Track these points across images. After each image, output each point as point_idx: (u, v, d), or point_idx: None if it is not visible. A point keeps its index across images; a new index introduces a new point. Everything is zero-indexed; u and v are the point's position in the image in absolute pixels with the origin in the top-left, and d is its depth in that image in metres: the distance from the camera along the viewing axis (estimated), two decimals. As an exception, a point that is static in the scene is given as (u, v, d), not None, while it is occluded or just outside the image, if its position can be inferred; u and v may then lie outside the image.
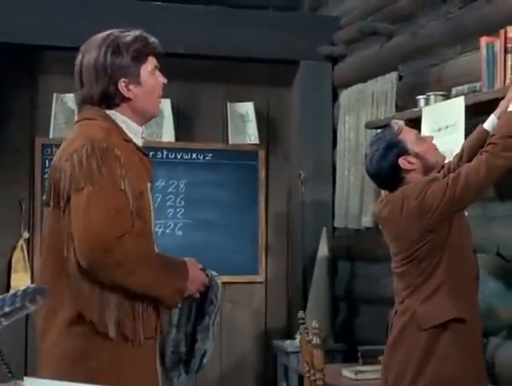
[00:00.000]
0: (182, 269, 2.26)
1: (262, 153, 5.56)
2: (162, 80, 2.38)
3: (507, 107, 2.79)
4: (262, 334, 5.56)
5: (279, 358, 5.11)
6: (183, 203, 5.36)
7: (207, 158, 5.42)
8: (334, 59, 5.49)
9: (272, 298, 5.59)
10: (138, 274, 2.15)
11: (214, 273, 2.37)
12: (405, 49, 4.54)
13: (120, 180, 2.14)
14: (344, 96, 5.24)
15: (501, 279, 3.27)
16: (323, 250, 5.09)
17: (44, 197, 2.31)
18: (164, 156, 5.34)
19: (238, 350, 5.47)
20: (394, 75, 4.61)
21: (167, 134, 5.27)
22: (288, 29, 5.34)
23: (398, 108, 4.49)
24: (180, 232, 5.32)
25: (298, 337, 4.91)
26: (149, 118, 2.39)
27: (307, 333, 3.47)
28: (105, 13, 4.87)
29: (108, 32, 2.34)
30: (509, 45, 3.10)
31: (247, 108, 5.46)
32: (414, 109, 3.77)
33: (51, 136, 5.06)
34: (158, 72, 2.36)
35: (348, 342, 4.97)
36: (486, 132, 2.91)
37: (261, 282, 5.56)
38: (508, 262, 3.41)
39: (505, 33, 3.12)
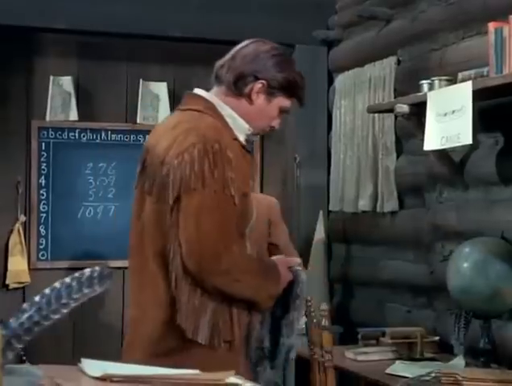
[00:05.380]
0: (275, 273, 2.25)
1: (256, 138, 5.55)
2: (276, 123, 2.41)
3: None
4: (257, 316, 5.58)
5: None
6: (179, 187, 5.36)
7: (203, 141, 5.42)
8: (329, 44, 5.50)
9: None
10: (242, 282, 2.14)
11: (298, 268, 2.35)
12: (404, 34, 4.56)
13: (230, 185, 2.11)
14: (340, 80, 5.26)
15: (506, 262, 3.32)
16: (319, 233, 5.12)
17: (137, 183, 2.28)
18: (160, 139, 5.33)
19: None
20: (392, 59, 4.63)
21: (163, 118, 5.24)
22: (283, 13, 5.34)
23: (397, 93, 4.51)
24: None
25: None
26: (246, 129, 2.34)
27: (314, 315, 3.50)
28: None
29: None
30: (518, 31, 3.13)
31: (243, 91, 5.46)
32: (419, 94, 3.79)
33: (47, 119, 5.05)
34: (280, 115, 2.38)
35: (344, 324, 5.01)
36: None
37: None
38: (512, 245, 3.46)
39: (515, 18, 3.15)
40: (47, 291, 1.27)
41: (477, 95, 3.40)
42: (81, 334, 5.10)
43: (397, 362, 3.64)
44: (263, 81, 2.29)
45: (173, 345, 2.10)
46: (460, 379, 3.17)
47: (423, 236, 4.27)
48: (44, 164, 5.08)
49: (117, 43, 5.21)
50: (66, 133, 5.13)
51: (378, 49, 4.81)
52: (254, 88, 2.28)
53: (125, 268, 5.11)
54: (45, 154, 5.09)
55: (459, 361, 3.54)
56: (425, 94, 3.69)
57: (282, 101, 2.34)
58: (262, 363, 2.30)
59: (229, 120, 2.28)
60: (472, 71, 3.45)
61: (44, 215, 5.05)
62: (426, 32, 4.34)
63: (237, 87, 2.27)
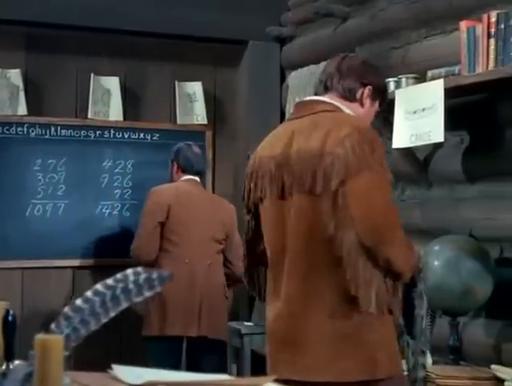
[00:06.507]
0: (413, 246, 2.48)
1: (209, 134, 5.49)
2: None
3: None
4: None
5: (230, 339, 5.09)
6: (130, 184, 5.25)
7: (154, 137, 5.32)
8: (282, 40, 5.48)
9: (218, 280, 5.55)
10: (403, 253, 2.37)
11: None
12: (362, 32, 4.56)
13: (386, 167, 2.39)
14: (294, 77, 5.23)
15: (477, 259, 3.34)
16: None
17: (265, 192, 2.50)
18: (111, 135, 5.21)
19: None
20: (350, 57, 4.62)
21: (115, 113, 5.14)
22: (237, 9, 5.29)
23: (356, 91, 4.50)
24: (128, 213, 5.21)
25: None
26: None
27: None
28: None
29: None
30: (492, 30, 3.15)
31: (195, 87, 5.38)
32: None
33: (-6, 113, 4.87)
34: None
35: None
36: None
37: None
38: (480, 243, 3.48)
39: (488, 18, 3.17)
40: (89, 294, 1.19)
41: (446, 93, 3.41)
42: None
43: (364, 360, 3.62)
44: (370, 87, 2.60)
45: (349, 323, 2.33)
46: (434, 376, 3.19)
47: (382, 234, 4.27)
48: (-9, 160, 4.90)
49: (67, 36, 5.07)
50: (14, 128, 4.96)
51: (335, 46, 4.78)
52: (365, 93, 2.59)
53: (75, 267, 5.05)
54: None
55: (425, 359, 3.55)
56: (393, 92, 3.69)
57: (377, 105, 2.66)
58: (403, 338, 2.53)
59: None
60: (443, 70, 3.47)
61: (-9, 212, 4.88)
62: (386, 30, 4.34)
63: (351, 93, 2.58)
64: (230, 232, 4.51)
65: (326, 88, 2.60)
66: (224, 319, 4.46)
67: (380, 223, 2.32)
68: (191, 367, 4.28)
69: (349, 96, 2.58)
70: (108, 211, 5.17)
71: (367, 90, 2.60)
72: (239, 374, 4.89)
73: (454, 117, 3.72)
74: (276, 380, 2.39)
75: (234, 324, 5.07)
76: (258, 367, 4.77)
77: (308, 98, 2.66)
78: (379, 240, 2.32)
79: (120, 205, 5.21)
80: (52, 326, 1.16)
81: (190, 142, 4.63)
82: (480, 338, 3.60)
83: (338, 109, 2.54)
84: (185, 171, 4.49)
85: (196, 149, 4.54)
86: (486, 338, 3.57)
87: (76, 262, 5.07)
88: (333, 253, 2.34)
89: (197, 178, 4.52)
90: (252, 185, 2.58)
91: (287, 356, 2.43)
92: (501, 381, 3.24)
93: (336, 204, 2.32)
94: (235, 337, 5.02)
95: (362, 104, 2.61)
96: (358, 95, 2.60)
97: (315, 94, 2.64)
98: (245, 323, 5.08)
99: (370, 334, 2.35)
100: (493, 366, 3.33)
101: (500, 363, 3.41)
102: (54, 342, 0.98)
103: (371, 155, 2.34)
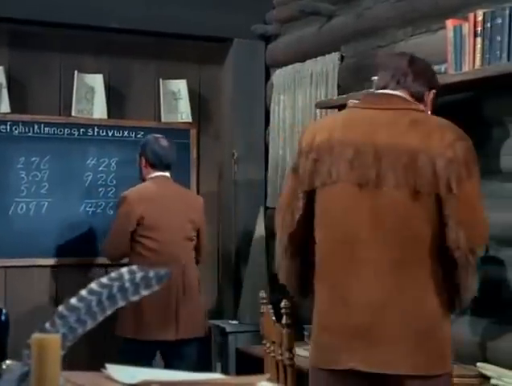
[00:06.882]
0: None
1: (193, 132, 5.47)
2: None
3: None
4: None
5: (215, 337, 5.09)
6: (114, 182, 5.22)
7: (138, 136, 5.28)
8: (267, 38, 5.47)
9: (202, 279, 5.53)
10: None
11: None
12: (348, 30, 4.57)
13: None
14: (279, 75, 5.23)
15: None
16: (260, 230, 5.08)
17: (343, 177, 2.44)
18: (95, 133, 5.17)
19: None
20: (336, 55, 4.63)
21: (99, 111, 5.11)
22: (222, 6, 5.28)
23: (341, 89, 4.52)
24: (112, 212, 5.16)
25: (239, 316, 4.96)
26: None
27: (271, 312, 3.46)
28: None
29: None
30: (478, 28, 3.16)
31: (179, 85, 5.36)
32: (371, 90, 3.78)
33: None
34: None
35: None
36: None
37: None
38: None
39: (475, 16, 3.18)
40: (84, 293, 1.18)
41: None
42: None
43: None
44: (434, 91, 2.68)
45: (428, 320, 2.45)
46: (421, 374, 3.19)
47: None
48: (-26, 158, 4.86)
49: (51, 33, 5.03)
50: (-3, 126, 4.93)
51: (320, 45, 4.80)
52: (430, 96, 2.67)
53: (58, 266, 5.01)
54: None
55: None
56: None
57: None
58: None
59: None
60: (429, 68, 3.46)
61: (-26, 211, 4.84)
62: (372, 29, 4.35)
63: (419, 95, 2.63)
64: (200, 227, 4.51)
65: (397, 84, 2.61)
66: (201, 315, 4.45)
67: (481, 228, 2.50)
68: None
69: (418, 97, 2.62)
70: (92, 209, 5.14)
71: (432, 94, 2.67)
72: (224, 372, 4.88)
73: (440, 116, 3.72)
74: (332, 371, 2.42)
75: (219, 322, 5.07)
76: (243, 365, 4.77)
77: (384, 91, 2.61)
78: (478, 242, 2.50)
79: (104, 203, 5.19)
80: (47, 325, 1.14)
81: (158, 135, 4.56)
82: (466, 337, 3.61)
83: (419, 109, 2.59)
84: (154, 166, 4.42)
85: (164, 142, 4.45)
86: (472, 336, 3.59)
87: (59, 261, 5.04)
88: (422, 250, 2.42)
89: (167, 174, 4.45)
90: (313, 166, 2.51)
91: (356, 347, 2.43)
92: (487, 379, 3.26)
93: (443, 206, 2.40)
94: (219, 335, 5.01)
95: (426, 107, 2.67)
96: (425, 97, 2.65)
97: (385, 87, 2.62)
98: (230, 321, 5.08)
99: (443, 331, 2.51)
100: (479, 364, 3.35)
101: (485, 360, 3.43)
102: (51, 342, 0.97)
103: (475, 163, 2.49)
